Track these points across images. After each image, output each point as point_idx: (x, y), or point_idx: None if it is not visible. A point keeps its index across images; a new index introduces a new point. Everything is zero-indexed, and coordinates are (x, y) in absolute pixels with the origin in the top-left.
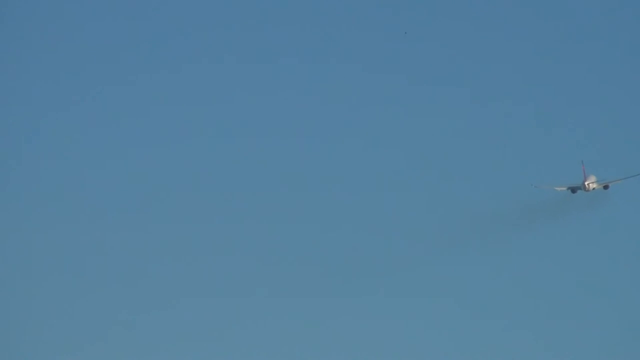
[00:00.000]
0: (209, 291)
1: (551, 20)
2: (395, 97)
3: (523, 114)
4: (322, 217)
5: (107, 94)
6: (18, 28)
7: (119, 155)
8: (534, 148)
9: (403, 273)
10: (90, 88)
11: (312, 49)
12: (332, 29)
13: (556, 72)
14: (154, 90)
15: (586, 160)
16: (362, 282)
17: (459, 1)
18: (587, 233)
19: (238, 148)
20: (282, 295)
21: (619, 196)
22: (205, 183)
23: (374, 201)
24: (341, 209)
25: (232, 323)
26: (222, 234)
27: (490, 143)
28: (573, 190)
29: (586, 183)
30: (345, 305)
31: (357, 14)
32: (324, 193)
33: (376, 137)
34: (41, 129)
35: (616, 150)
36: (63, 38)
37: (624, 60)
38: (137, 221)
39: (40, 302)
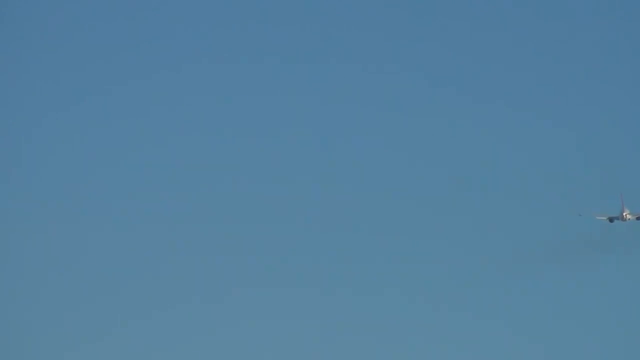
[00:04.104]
0: (209, 291)
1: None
2: (395, 97)
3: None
4: (320, 218)
5: (107, 94)
6: (18, 28)
7: (119, 155)
8: (574, 176)
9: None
10: (90, 88)
11: (312, 49)
12: (332, 29)
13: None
14: (154, 90)
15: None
16: (401, 298)
17: (459, 1)
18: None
19: (238, 148)
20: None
21: None
22: (205, 183)
23: (368, 204)
24: (340, 209)
25: (232, 324)
26: (223, 234)
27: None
28: (611, 219)
29: (624, 214)
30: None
31: (357, 14)
32: (321, 193)
33: (376, 138)
34: (41, 129)
35: None
36: (63, 38)
37: None
38: (137, 221)
39: (39, 302)
